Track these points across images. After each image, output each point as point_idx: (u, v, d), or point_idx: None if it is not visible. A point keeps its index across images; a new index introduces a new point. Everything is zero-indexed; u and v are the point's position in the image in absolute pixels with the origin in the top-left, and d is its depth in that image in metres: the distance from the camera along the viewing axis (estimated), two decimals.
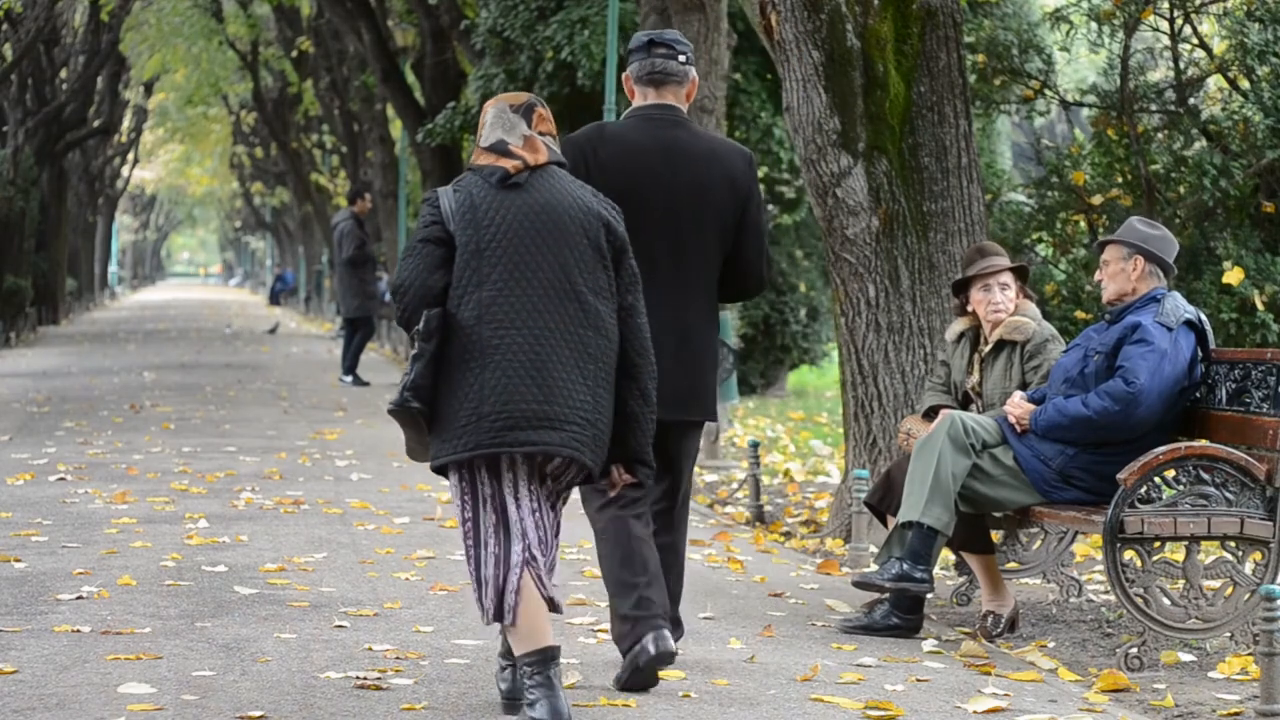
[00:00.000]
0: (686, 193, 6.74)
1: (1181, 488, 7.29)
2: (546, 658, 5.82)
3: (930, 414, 8.39)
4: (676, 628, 6.79)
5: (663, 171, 6.73)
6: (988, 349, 8.37)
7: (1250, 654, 7.19)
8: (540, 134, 6.07)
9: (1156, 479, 7.30)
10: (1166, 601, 7.27)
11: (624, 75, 6.92)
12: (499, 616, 5.83)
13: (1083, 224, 12.05)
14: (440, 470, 5.96)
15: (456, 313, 5.87)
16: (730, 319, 16.26)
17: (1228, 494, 7.29)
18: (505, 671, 6.21)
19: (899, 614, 7.83)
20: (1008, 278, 8.36)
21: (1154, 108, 12.02)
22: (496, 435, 5.78)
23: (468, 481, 5.90)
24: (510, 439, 5.79)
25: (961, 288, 8.50)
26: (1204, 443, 7.48)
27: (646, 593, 6.41)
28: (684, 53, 6.79)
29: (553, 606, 5.91)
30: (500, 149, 6.01)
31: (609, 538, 6.54)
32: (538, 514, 5.92)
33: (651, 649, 6.35)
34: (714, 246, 6.81)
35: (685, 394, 6.73)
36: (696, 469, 14.69)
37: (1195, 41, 12.07)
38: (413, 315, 5.89)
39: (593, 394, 5.90)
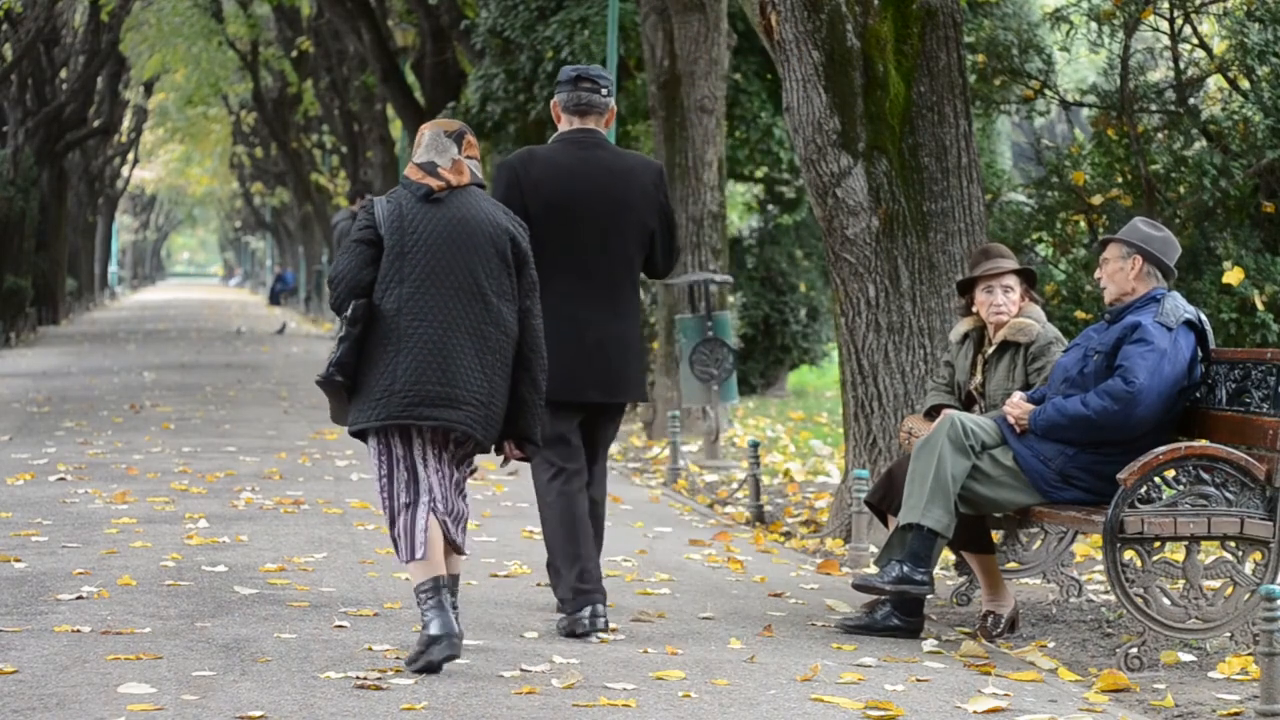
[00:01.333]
0: (609, 204, 7.81)
1: (1181, 488, 7.29)
2: (439, 585, 6.89)
3: (932, 413, 8.39)
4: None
5: (587, 187, 7.79)
6: (991, 350, 8.37)
7: (1250, 654, 7.19)
8: (467, 158, 7.12)
9: (1156, 479, 7.30)
10: (1166, 601, 7.26)
11: (552, 102, 7.95)
12: (411, 554, 6.90)
13: (1083, 224, 12.05)
14: (357, 434, 7.03)
15: (380, 304, 6.96)
16: (730, 319, 16.26)
17: (1228, 494, 7.29)
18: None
19: (900, 615, 7.82)
20: (1011, 280, 8.35)
21: (1154, 108, 12.01)
22: (405, 409, 6.87)
23: (384, 445, 6.97)
24: (416, 414, 6.88)
25: (966, 288, 8.51)
26: (1204, 443, 7.48)
27: (588, 565, 7.67)
28: (606, 86, 7.87)
29: (456, 549, 7.07)
30: (430, 169, 7.08)
31: (556, 511, 7.74)
32: (440, 474, 7.00)
33: (587, 623, 7.56)
34: (634, 248, 7.90)
35: (615, 379, 7.84)
36: (696, 468, 14.73)
37: (1195, 41, 12.07)
38: (343, 303, 7.00)
39: (489, 380, 6.99)
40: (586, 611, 7.58)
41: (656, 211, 7.90)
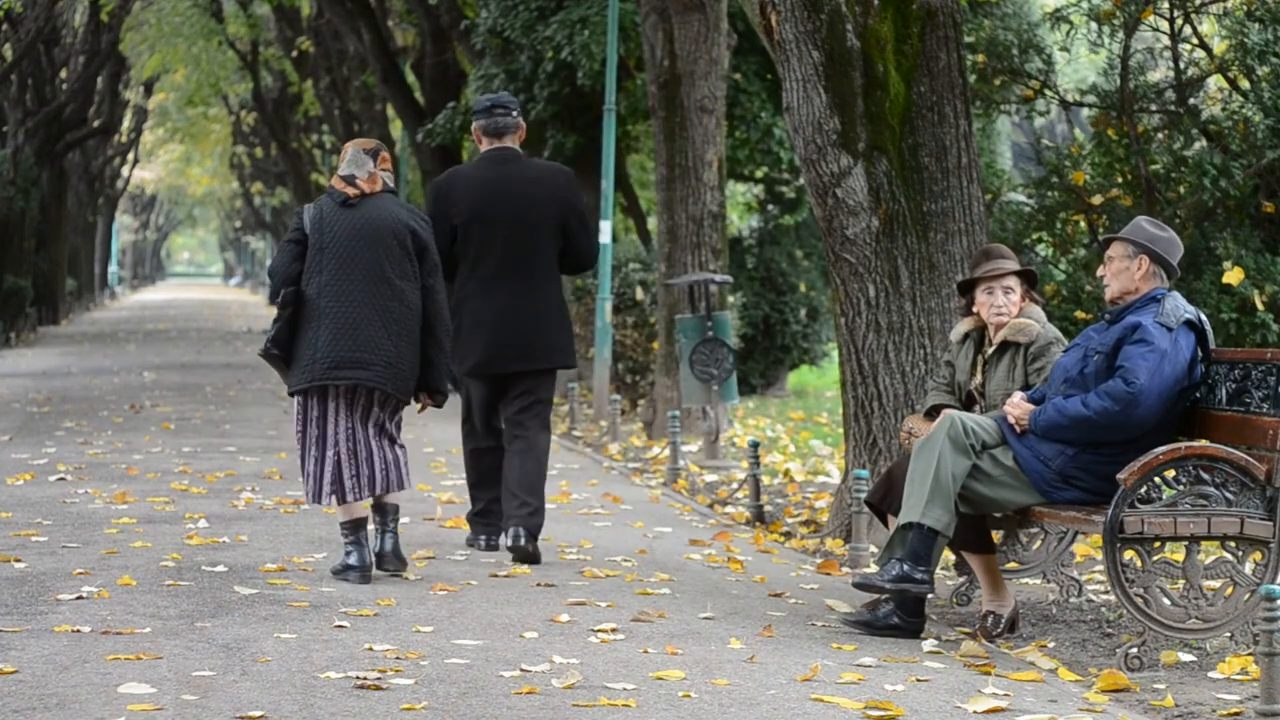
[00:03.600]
0: (522, 208, 9.45)
1: (1181, 488, 7.29)
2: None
3: (932, 413, 8.39)
4: (536, 515, 9.42)
5: (503, 195, 9.45)
6: (991, 350, 8.37)
7: (1250, 654, 7.19)
8: (382, 170, 8.84)
9: (1156, 479, 7.30)
10: (1166, 601, 7.26)
11: (473, 127, 9.62)
12: (317, 499, 8.70)
13: (1083, 224, 12.05)
14: (292, 394, 8.74)
15: (305, 290, 8.72)
16: (730, 319, 16.26)
17: (1228, 494, 7.29)
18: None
19: (901, 615, 7.82)
20: (1012, 281, 8.35)
21: (1154, 108, 12.01)
22: (325, 372, 8.63)
23: (305, 405, 8.72)
24: (333, 375, 8.63)
25: (966, 289, 8.51)
26: (1204, 443, 7.47)
27: (491, 506, 9.69)
28: (515, 110, 9.64)
29: (388, 487, 8.71)
30: (349, 180, 8.80)
31: (470, 463, 9.74)
32: (349, 430, 8.71)
33: (483, 545, 9.73)
34: (549, 242, 9.51)
35: (535, 349, 9.48)
36: (696, 468, 14.72)
37: (1195, 41, 12.06)
38: (278, 291, 8.76)
39: (395, 345, 8.68)
40: (482, 539, 9.69)
41: (566, 209, 9.51)
